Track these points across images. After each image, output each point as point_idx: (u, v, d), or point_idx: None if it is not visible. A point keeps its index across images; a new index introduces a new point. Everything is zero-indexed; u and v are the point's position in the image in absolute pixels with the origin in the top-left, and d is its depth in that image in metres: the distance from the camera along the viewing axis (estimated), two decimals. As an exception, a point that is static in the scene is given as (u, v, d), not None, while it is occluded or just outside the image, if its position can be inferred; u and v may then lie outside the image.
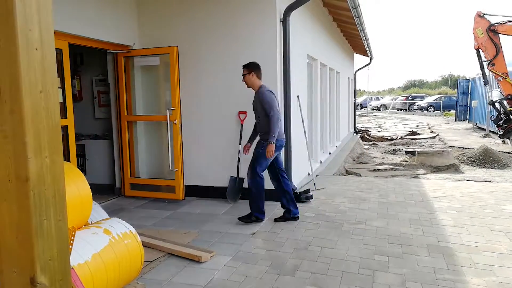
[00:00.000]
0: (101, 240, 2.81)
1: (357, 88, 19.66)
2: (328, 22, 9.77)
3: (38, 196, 1.36)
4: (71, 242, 2.51)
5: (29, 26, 1.33)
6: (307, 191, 5.87)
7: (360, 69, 18.46)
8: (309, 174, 7.08)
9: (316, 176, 7.56)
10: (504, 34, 11.52)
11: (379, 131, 20.11)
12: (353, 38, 12.80)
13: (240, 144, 5.75)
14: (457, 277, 3.34)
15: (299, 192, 5.80)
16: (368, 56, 16.69)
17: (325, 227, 4.64)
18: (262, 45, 5.54)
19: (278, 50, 5.54)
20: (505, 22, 11.50)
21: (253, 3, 5.53)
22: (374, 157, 12.26)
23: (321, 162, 8.69)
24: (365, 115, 32.49)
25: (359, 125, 21.21)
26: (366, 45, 13.20)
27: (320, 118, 8.87)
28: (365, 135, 17.40)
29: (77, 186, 2.82)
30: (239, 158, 5.78)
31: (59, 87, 4.69)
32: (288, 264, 3.64)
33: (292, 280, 3.33)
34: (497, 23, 11.54)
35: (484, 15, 11.72)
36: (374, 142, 15.99)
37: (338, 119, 12.11)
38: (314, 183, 6.68)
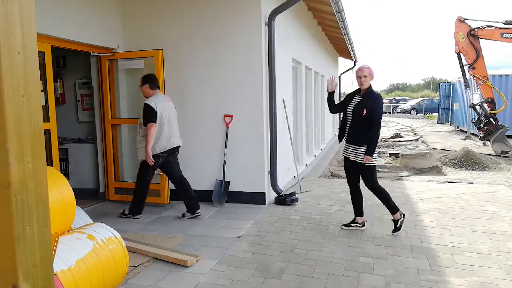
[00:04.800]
0: (85, 246, 2.77)
1: (342, 91, 19.85)
2: (313, 26, 9.85)
3: (20, 202, 1.34)
4: (54, 248, 2.47)
5: (11, 30, 1.31)
6: (293, 193, 5.89)
7: (344, 72, 18.65)
8: (294, 176, 7.11)
9: (302, 178, 7.60)
10: (484, 39, 11.79)
11: (364, 134, 20.26)
12: (338, 42, 12.93)
13: (225, 147, 5.74)
14: (440, 277, 3.39)
15: (284, 195, 5.82)
16: (352, 60, 16.87)
17: (311, 230, 4.67)
18: (248, 48, 5.56)
19: (263, 53, 5.56)
20: (485, 27, 11.77)
21: (238, 6, 5.54)
22: (359, 160, 12.36)
23: (306, 164, 8.73)
24: (350, 118, 32.69)
25: (344, 128, 21.31)
26: (351, 49, 13.34)
27: (305, 121, 8.93)
28: (350, 138, 17.52)
29: (60, 191, 2.78)
30: (224, 162, 5.77)
31: (41, 90, 4.63)
32: (274, 267, 3.64)
33: (278, 283, 3.34)
34: (477, 28, 11.80)
35: (465, 20, 11.97)
36: (359, 144, 16.11)
37: (323, 122, 12.20)
38: (300, 186, 6.71)
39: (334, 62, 16.02)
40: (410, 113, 34.55)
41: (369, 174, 4.51)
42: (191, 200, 5.22)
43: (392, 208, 4.57)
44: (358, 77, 4.48)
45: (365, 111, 4.37)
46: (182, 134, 5.92)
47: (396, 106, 37.79)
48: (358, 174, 4.64)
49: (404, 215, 4.62)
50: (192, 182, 5.93)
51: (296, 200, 5.84)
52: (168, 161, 5.18)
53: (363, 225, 4.71)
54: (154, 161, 4.93)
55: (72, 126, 6.95)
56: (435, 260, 3.75)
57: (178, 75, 5.86)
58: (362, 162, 4.42)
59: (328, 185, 7.27)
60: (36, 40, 1.42)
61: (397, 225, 4.54)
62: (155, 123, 4.89)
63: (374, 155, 4.39)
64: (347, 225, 4.73)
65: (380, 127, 4.43)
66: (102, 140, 6.19)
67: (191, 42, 5.78)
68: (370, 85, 4.49)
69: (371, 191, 4.59)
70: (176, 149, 5.24)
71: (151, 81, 5.10)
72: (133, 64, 5.97)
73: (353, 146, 4.50)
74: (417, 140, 16.71)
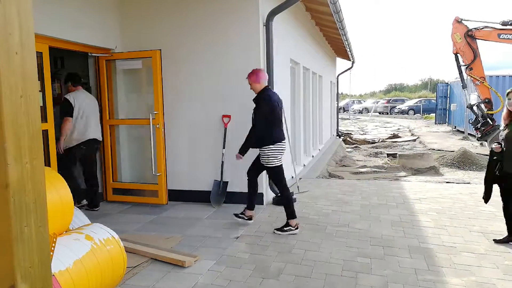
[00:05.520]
0: (82, 246, 2.77)
1: (340, 92, 19.88)
2: (311, 27, 9.86)
3: (18, 203, 1.34)
4: (52, 249, 2.47)
5: (9, 30, 1.31)
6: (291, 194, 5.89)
7: (342, 73, 18.67)
8: (292, 177, 7.11)
9: (300, 179, 7.61)
10: (481, 40, 11.83)
11: (361, 134, 20.35)
12: (336, 43, 12.95)
13: (224, 147, 5.74)
14: (437, 277, 3.40)
15: (282, 196, 5.82)
16: (350, 60, 16.89)
17: (309, 230, 4.67)
18: (246, 49, 5.56)
19: (261, 54, 5.56)
20: (482, 28, 11.79)
21: (236, 7, 5.55)
22: (357, 160, 12.41)
23: (304, 165, 8.74)
24: (348, 119, 32.84)
25: (342, 128, 21.43)
26: (348, 49, 13.37)
27: (303, 122, 8.93)
28: (348, 138, 17.59)
29: (58, 192, 2.78)
30: (222, 162, 5.77)
31: (39, 91, 4.61)
32: (272, 268, 3.65)
33: (276, 283, 3.34)
34: (475, 29, 11.82)
35: (462, 21, 11.99)
36: (357, 145, 16.17)
37: (321, 123, 12.21)
38: (298, 186, 6.71)
39: (332, 63, 16.05)
40: (407, 114, 34.63)
41: (273, 175, 4.70)
42: (94, 197, 5.69)
43: (290, 212, 4.61)
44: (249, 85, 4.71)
45: (256, 116, 4.59)
46: (180, 134, 5.93)
47: (394, 107, 37.87)
48: (259, 169, 4.83)
49: (297, 226, 4.63)
50: (190, 182, 5.96)
51: (294, 200, 5.83)
52: (85, 154, 5.57)
53: (250, 219, 4.88)
54: (66, 151, 5.37)
55: (69, 126, 6.92)
56: (432, 260, 3.77)
57: (176, 76, 5.86)
58: (263, 163, 4.63)
59: (325, 185, 7.28)
60: (34, 41, 1.42)
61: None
62: (71, 117, 5.32)
63: (273, 158, 4.54)
64: (237, 215, 4.88)
65: (264, 129, 4.51)
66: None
67: (189, 43, 5.78)
68: (264, 88, 4.62)
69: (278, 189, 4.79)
70: (93, 143, 5.56)
71: (73, 79, 5.54)
72: (131, 65, 5.96)
73: (259, 149, 4.63)
74: (414, 140, 16.75)
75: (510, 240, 4.22)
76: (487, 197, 4.38)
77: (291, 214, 4.60)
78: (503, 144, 4.13)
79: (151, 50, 5.69)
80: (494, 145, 4.16)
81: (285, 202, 4.64)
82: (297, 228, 4.58)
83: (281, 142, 4.60)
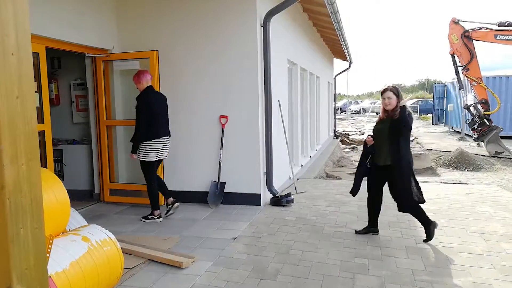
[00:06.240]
0: (79, 248, 2.76)
1: (337, 92, 19.92)
2: (308, 27, 9.87)
3: (14, 204, 1.33)
4: (49, 250, 2.46)
5: (5, 32, 1.31)
6: (288, 194, 5.90)
7: (339, 73, 18.70)
8: (290, 177, 7.11)
9: (297, 179, 7.61)
10: (478, 40, 11.89)
11: (359, 135, 20.37)
12: (333, 43, 12.97)
13: (221, 148, 5.74)
14: (434, 278, 3.41)
15: (280, 196, 5.83)
16: (347, 61, 16.92)
17: (306, 231, 4.67)
18: (243, 50, 5.56)
19: (259, 54, 5.57)
20: (479, 29, 11.87)
21: (233, 8, 5.55)
22: (354, 161, 12.42)
23: (302, 165, 8.75)
24: (345, 119, 32.88)
25: (339, 129, 21.45)
26: (345, 50, 13.39)
27: (300, 122, 8.94)
28: (345, 139, 17.61)
29: (54, 193, 2.77)
30: (220, 163, 5.76)
31: (35, 92, 4.61)
32: (269, 269, 3.64)
33: (273, 284, 3.34)
34: (471, 30, 11.90)
35: (459, 22, 12.07)
36: (354, 145, 16.20)
37: (318, 123, 12.23)
38: (295, 187, 6.71)
39: (330, 63, 16.06)
40: (405, 114, 34.62)
41: (145, 169, 5.06)
42: None
43: (154, 203, 5.13)
44: None
45: (136, 114, 4.96)
46: (178, 135, 5.91)
47: (391, 107, 37.91)
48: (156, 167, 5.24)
49: (160, 215, 5.14)
50: (187, 183, 5.95)
51: (292, 201, 5.84)
52: None
53: (173, 205, 5.28)
54: None
55: (66, 127, 6.92)
56: (429, 261, 3.77)
57: (173, 76, 5.85)
58: (138, 157, 5.01)
59: (323, 186, 7.28)
60: (30, 42, 1.42)
61: (149, 216, 5.15)
62: None
63: (148, 153, 4.96)
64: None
65: (143, 125, 4.85)
66: (97, 142, 6.17)
67: (186, 44, 5.77)
68: (145, 88, 5.00)
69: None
70: None
71: None
72: (128, 65, 5.95)
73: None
74: (411, 141, 16.80)
75: (371, 231, 4.52)
76: (355, 190, 4.52)
77: (154, 206, 5.11)
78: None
79: (149, 50, 5.69)
80: (367, 138, 4.30)
81: (149, 194, 5.13)
82: (159, 217, 5.11)
83: (159, 139, 5.00)
